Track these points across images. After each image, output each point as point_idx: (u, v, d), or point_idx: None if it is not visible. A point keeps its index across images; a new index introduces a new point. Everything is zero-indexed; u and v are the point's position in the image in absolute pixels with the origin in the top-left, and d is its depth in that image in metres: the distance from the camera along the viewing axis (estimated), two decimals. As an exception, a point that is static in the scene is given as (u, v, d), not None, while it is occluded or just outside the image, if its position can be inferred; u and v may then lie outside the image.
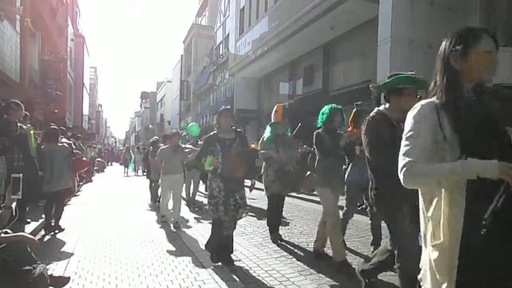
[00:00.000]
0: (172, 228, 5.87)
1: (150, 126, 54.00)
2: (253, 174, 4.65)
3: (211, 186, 3.86)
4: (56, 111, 15.65)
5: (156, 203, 8.39)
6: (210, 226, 6.13)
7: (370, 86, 9.22)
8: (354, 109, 4.49)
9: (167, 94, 43.39)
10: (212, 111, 23.48)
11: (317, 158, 4.04)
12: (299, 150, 5.43)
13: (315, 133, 3.98)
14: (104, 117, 77.85)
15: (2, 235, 2.78)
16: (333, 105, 4.04)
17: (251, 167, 4.27)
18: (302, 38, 12.23)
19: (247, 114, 17.71)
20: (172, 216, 6.04)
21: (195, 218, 6.81)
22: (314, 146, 4.00)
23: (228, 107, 4.29)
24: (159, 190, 7.81)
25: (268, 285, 3.31)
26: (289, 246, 4.73)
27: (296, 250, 4.52)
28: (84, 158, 6.88)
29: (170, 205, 6.22)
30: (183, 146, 6.49)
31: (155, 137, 10.13)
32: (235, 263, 3.86)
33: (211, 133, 4.02)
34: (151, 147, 9.03)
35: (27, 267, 2.66)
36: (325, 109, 4.03)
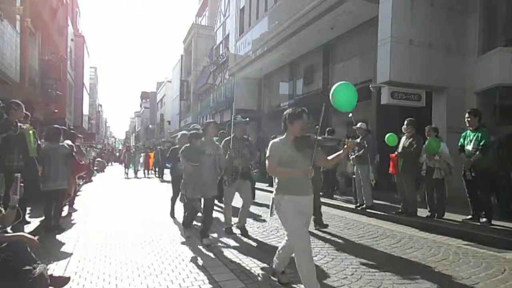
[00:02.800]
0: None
1: (150, 126, 54.04)
2: None
3: None
4: (56, 111, 15.64)
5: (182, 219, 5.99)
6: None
7: (370, 86, 9.27)
8: None
9: (167, 94, 43.42)
10: (212, 111, 23.49)
11: None
12: None
13: None
14: (104, 117, 77.89)
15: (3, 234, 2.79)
16: None
17: None
18: (302, 38, 12.23)
19: (247, 114, 17.72)
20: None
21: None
22: None
23: None
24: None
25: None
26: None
27: (296, 250, 4.52)
28: (83, 162, 6.79)
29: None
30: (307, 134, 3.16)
31: (183, 131, 7.28)
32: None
33: None
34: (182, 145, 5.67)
35: (27, 267, 2.66)
36: None
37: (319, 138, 3.07)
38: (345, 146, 2.97)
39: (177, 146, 6.78)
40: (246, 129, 5.65)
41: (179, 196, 6.75)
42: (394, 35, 8.07)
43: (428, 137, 6.22)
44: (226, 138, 5.55)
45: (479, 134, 5.57)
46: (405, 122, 6.41)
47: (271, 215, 3.10)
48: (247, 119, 5.94)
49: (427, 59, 8.31)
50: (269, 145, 3.07)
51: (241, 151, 5.42)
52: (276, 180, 3.08)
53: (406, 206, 6.46)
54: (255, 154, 6.13)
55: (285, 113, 3.12)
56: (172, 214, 6.95)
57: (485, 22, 8.52)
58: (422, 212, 6.34)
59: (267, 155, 3.04)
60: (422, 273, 3.66)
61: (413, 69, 8.19)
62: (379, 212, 6.90)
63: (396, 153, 6.43)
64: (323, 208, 8.20)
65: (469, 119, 5.75)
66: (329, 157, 3.20)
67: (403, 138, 6.47)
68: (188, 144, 4.94)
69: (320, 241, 5.04)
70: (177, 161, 6.26)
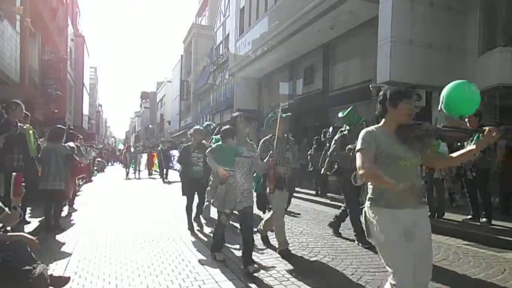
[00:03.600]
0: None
1: (150, 126, 54.04)
2: None
3: None
4: (56, 111, 15.65)
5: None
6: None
7: (370, 86, 9.26)
8: None
9: (167, 94, 43.44)
10: (212, 111, 23.49)
11: None
12: None
13: None
14: (104, 117, 77.79)
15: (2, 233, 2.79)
16: None
17: None
18: (302, 38, 12.23)
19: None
20: None
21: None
22: None
23: None
24: None
25: (268, 285, 3.31)
26: (289, 246, 4.73)
27: (296, 250, 4.52)
28: (83, 164, 6.77)
29: None
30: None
31: (197, 126, 6.40)
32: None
33: None
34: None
35: (27, 267, 2.66)
36: None
37: (438, 126, 2.09)
38: (481, 138, 2.03)
39: (189, 143, 6.01)
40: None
41: (204, 207, 6.06)
42: (394, 35, 8.07)
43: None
44: (266, 138, 4.51)
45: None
46: None
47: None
48: (289, 114, 4.82)
49: (427, 59, 8.30)
50: (361, 134, 2.12)
51: (283, 154, 4.38)
52: (370, 185, 2.14)
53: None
54: (297, 157, 5.05)
55: (383, 92, 2.16)
56: (191, 227, 5.66)
57: (485, 22, 8.52)
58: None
59: (358, 147, 2.09)
60: (422, 273, 3.65)
61: (413, 69, 8.19)
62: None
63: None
64: (323, 208, 8.22)
65: (469, 119, 5.74)
66: (453, 154, 2.20)
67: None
68: (220, 143, 3.99)
69: (320, 241, 5.04)
70: (189, 162, 5.69)
